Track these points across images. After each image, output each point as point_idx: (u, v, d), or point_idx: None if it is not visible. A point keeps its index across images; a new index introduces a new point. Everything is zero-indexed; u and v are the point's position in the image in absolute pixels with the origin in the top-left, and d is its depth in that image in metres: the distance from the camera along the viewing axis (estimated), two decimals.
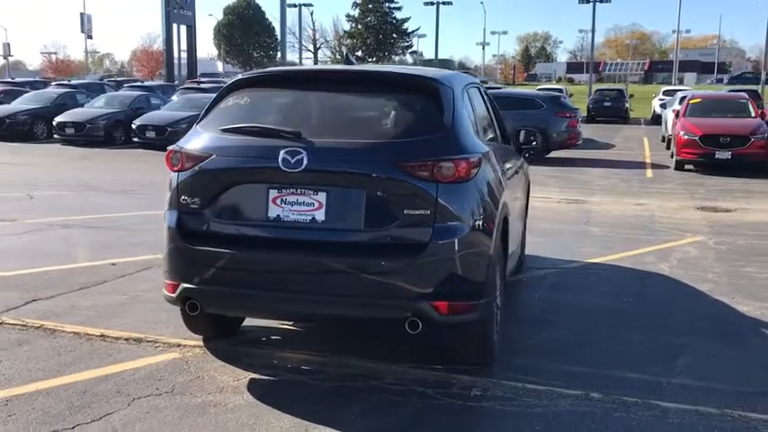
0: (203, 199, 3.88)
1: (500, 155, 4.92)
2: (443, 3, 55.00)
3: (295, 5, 58.92)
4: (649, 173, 15.93)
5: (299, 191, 3.74)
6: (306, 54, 79.98)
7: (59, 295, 5.67)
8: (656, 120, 29.48)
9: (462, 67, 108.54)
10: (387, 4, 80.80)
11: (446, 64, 66.73)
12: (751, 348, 4.84)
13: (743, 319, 5.47)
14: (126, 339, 4.69)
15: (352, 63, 5.54)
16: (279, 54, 75.36)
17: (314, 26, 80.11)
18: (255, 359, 4.39)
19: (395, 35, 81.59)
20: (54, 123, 20.43)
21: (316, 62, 78.04)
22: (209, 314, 4.29)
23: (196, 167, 3.90)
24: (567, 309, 5.74)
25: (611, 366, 4.40)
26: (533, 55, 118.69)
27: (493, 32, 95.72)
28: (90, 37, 60.95)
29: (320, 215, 3.73)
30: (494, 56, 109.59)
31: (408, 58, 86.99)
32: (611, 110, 32.94)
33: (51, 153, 18.53)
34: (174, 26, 44.97)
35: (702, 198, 12.11)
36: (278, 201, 3.76)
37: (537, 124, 17.13)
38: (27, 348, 4.51)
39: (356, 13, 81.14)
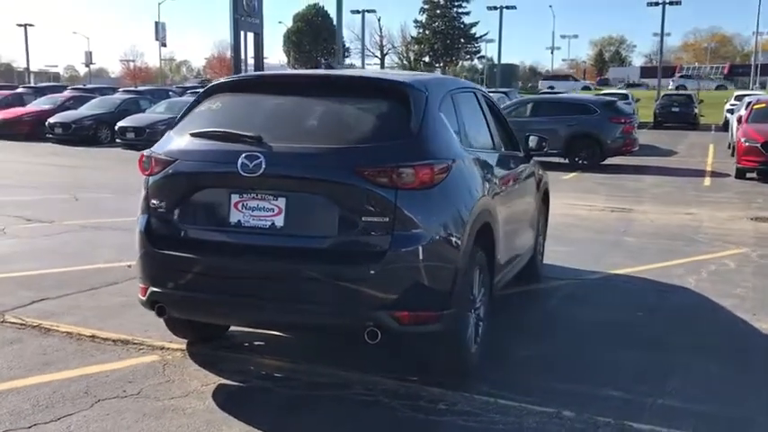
0: (169, 203, 3.90)
1: (493, 161, 4.78)
2: (507, 7, 54.35)
3: (358, 12, 59.48)
4: (707, 181, 15.31)
5: (259, 196, 3.71)
6: (373, 60, 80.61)
7: (67, 295, 5.81)
8: (727, 126, 28.33)
9: (533, 71, 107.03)
10: (455, 9, 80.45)
11: (511, 69, 65.85)
12: (754, 369, 4.53)
13: (757, 337, 5.14)
14: (114, 341, 4.76)
15: (332, 68, 5.49)
16: (345, 61, 76.23)
17: (381, 32, 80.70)
18: (231, 364, 4.37)
19: (462, 40, 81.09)
20: (116, 128, 21.17)
21: (382, 68, 78.48)
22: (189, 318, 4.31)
23: (163, 172, 3.93)
24: (572, 322, 5.53)
25: (598, 384, 4.19)
26: (607, 59, 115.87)
27: (563, 36, 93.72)
28: (164, 45, 62.99)
29: (279, 221, 3.68)
30: (563, 60, 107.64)
31: (477, 63, 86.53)
32: (679, 116, 31.85)
33: (110, 157, 19.18)
34: (242, 33, 45.99)
35: (759, 208, 11.53)
36: (239, 206, 3.74)
37: (590, 130, 16.79)
38: (17, 347, 4.62)
39: (423, 18, 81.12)
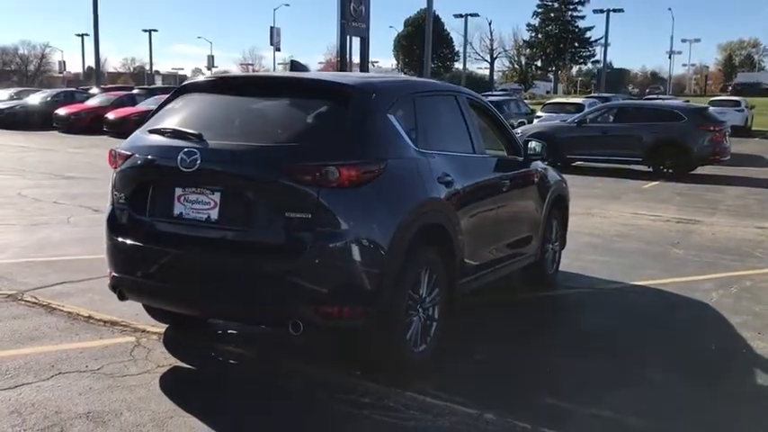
0: (127, 195, 4.22)
1: (464, 164, 4.81)
2: (614, 10, 52.69)
3: (461, 15, 59.66)
4: None
5: (198, 190, 3.94)
6: (483, 64, 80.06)
7: (90, 279, 6.27)
8: None
9: (654, 77, 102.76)
10: (569, 13, 78.67)
11: (621, 74, 63.55)
12: (717, 387, 4.31)
13: (747, 356, 4.87)
14: (105, 322, 5.12)
15: (301, 69, 5.64)
16: (455, 65, 76.16)
17: (491, 36, 79.92)
18: (196, 350, 4.63)
19: (576, 44, 79.13)
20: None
21: (491, 73, 77.88)
22: None
23: (123, 166, 4.26)
24: (556, 330, 5.45)
25: (540, 390, 4.14)
26: (737, 64, 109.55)
27: (684, 40, 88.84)
28: (278, 50, 65.54)
29: (214, 214, 3.90)
30: (683, 65, 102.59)
31: (591, 67, 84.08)
32: None
33: None
34: (349, 38, 47.00)
35: None
36: (181, 199, 3.99)
37: (676, 137, 16.12)
38: (18, 322, 5.08)
39: (536, 22, 79.86)
